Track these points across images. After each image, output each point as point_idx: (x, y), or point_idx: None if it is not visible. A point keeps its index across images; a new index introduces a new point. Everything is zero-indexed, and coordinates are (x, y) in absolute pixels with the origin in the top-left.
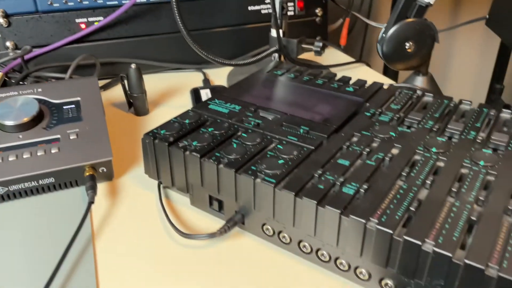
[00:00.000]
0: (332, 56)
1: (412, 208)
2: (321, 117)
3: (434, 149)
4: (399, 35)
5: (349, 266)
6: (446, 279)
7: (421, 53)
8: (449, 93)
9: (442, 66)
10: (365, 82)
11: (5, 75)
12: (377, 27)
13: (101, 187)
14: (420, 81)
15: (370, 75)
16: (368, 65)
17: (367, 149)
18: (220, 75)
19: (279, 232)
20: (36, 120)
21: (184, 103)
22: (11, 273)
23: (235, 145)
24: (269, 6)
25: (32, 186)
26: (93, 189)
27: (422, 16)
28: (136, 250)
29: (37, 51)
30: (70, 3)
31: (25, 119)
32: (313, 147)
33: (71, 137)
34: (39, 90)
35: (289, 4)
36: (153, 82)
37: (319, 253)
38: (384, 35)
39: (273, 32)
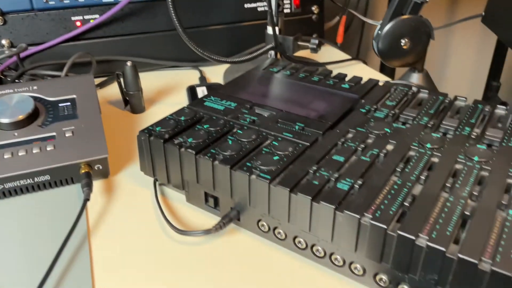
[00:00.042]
0: (329, 54)
1: (406, 204)
2: (316, 114)
3: (428, 145)
4: (395, 32)
5: (344, 262)
6: (440, 273)
7: (417, 49)
8: (446, 90)
9: (439, 64)
10: (360, 79)
11: (0, 73)
12: (374, 24)
13: (97, 184)
14: (415, 78)
15: (366, 72)
16: (365, 62)
17: (362, 145)
18: (216, 73)
19: (275, 228)
20: (32, 117)
21: (181, 101)
22: (7, 270)
23: (230, 142)
24: (265, 3)
25: (28, 183)
26: (88, 186)
27: (418, 13)
28: (132, 247)
29: (32, 49)
30: (66, 1)
31: (20, 117)
32: (308, 144)
33: (66, 135)
34: (35, 87)
35: (285, 1)
36: (149, 80)
37: (314, 248)
38: (379, 32)
39: (269, 30)
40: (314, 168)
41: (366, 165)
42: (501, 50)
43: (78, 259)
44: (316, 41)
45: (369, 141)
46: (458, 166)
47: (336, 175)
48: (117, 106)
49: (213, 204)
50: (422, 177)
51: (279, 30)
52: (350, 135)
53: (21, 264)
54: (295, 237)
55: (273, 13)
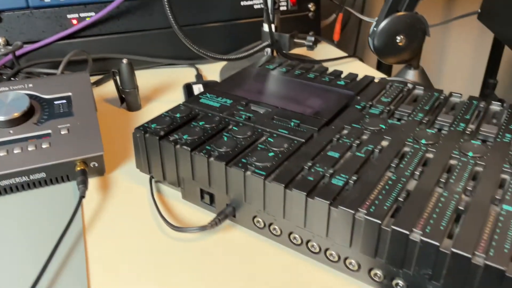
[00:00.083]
0: (326, 52)
1: (400, 199)
2: (312, 111)
3: (423, 141)
4: (390, 29)
5: (339, 257)
6: (434, 268)
7: (412, 46)
8: (443, 88)
9: (436, 61)
10: (356, 76)
11: None
12: (371, 22)
13: (93, 182)
14: (411, 75)
15: (363, 69)
16: (361, 60)
17: (357, 142)
18: (213, 71)
19: (270, 224)
20: (27, 115)
21: (177, 99)
22: (2, 267)
23: (225, 139)
24: (261, 1)
25: (23, 181)
26: (84, 184)
27: (413, 10)
28: (127, 244)
29: (28, 47)
30: None
31: (16, 114)
32: (303, 140)
33: (62, 132)
34: (30, 85)
35: None
36: (145, 78)
37: (309, 244)
38: (375, 29)
39: (265, 27)
40: (309, 164)
41: (361, 161)
42: (498, 48)
43: (74, 256)
44: (312, 39)
45: (364, 137)
46: (452, 162)
47: (331, 171)
48: (113, 104)
49: (209, 201)
50: (417, 173)
51: (275, 27)
52: (345, 132)
53: (16, 261)
54: (290, 233)
55: (269, 10)
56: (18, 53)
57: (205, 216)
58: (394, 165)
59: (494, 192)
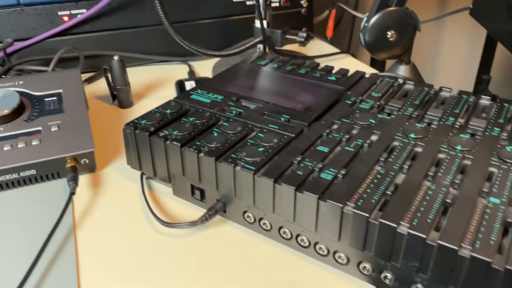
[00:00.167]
0: (319, 48)
1: (388, 192)
2: (302, 106)
3: (412, 135)
4: (381, 24)
5: (328, 251)
6: (421, 260)
7: (403, 41)
8: (437, 84)
9: (429, 57)
10: (347, 71)
11: None
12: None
13: (83, 178)
14: (402, 70)
15: (355, 66)
16: (354, 56)
17: (347, 136)
18: (205, 67)
19: (260, 219)
20: (17, 112)
21: (169, 95)
22: None
23: (216, 134)
24: None
25: (13, 178)
26: (74, 180)
27: (404, 5)
28: (118, 240)
29: (19, 44)
30: None
31: (6, 112)
32: (293, 135)
33: (52, 129)
34: (20, 82)
35: None
36: (138, 75)
37: (299, 238)
38: (366, 24)
39: (257, 23)
40: (299, 159)
41: (350, 155)
42: (491, 44)
43: (64, 252)
44: (304, 35)
45: (354, 132)
46: (441, 155)
47: (320, 165)
48: (105, 101)
49: (200, 197)
50: (405, 167)
51: (267, 23)
52: (335, 126)
53: (6, 257)
54: (280, 228)
55: (261, 7)
56: (9, 50)
57: (196, 212)
58: (383, 159)
59: (481, 185)
